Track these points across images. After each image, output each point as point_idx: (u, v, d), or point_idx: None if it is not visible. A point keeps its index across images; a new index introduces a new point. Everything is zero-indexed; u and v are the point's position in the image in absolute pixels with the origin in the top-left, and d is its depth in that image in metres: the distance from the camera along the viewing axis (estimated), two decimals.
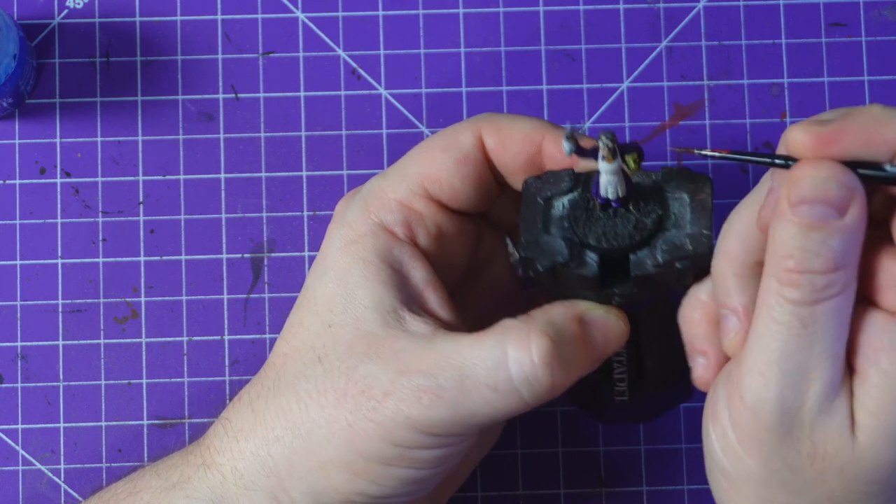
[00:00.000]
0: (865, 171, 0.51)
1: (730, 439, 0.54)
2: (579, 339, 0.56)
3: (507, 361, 0.55)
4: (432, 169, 0.60)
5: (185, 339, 0.71)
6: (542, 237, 0.58)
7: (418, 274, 0.59)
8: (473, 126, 0.61)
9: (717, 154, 0.54)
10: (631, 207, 0.57)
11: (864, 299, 0.52)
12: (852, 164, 0.51)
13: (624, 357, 0.61)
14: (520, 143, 0.60)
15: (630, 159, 0.56)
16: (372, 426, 0.56)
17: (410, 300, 0.58)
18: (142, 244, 0.72)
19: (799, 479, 0.52)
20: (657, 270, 0.57)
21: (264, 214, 0.72)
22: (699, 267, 0.57)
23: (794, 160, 0.51)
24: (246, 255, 0.72)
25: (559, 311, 0.57)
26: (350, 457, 0.57)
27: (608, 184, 0.57)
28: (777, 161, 0.52)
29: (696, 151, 0.55)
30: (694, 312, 0.57)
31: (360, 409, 0.56)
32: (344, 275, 0.59)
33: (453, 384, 0.55)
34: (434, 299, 0.59)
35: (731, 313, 0.55)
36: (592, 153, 0.56)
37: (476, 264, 0.64)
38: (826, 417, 0.51)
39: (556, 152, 0.60)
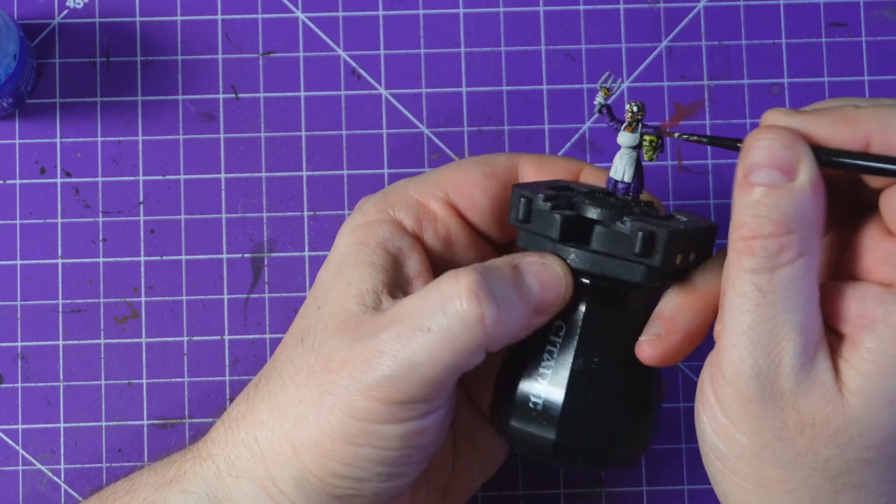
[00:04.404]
0: (831, 156, 0.52)
1: (719, 418, 0.54)
2: (510, 278, 0.56)
3: (439, 300, 0.55)
4: (459, 176, 0.61)
5: (185, 339, 0.71)
6: (539, 190, 0.58)
7: (413, 263, 0.60)
8: (513, 154, 0.62)
9: (685, 136, 0.56)
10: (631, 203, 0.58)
11: (852, 277, 0.53)
12: (824, 150, 0.51)
13: (559, 339, 0.58)
14: (559, 171, 0.61)
15: (647, 144, 0.57)
16: (332, 400, 0.56)
17: (397, 285, 0.59)
18: (142, 244, 0.72)
19: (790, 451, 0.53)
20: (616, 228, 0.55)
21: (264, 214, 0.72)
22: (668, 249, 0.55)
23: None
24: (246, 255, 0.72)
25: (495, 259, 0.57)
26: (318, 436, 0.57)
27: (620, 160, 0.57)
28: (739, 144, 0.53)
29: (666, 132, 0.57)
30: (679, 295, 0.57)
31: (323, 384, 0.57)
32: (342, 256, 0.60)
33: (392, 336, 0.55)
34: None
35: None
36: (618, 121, 0.57)
37: None
38: (807, 385, 0.52)
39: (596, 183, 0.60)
